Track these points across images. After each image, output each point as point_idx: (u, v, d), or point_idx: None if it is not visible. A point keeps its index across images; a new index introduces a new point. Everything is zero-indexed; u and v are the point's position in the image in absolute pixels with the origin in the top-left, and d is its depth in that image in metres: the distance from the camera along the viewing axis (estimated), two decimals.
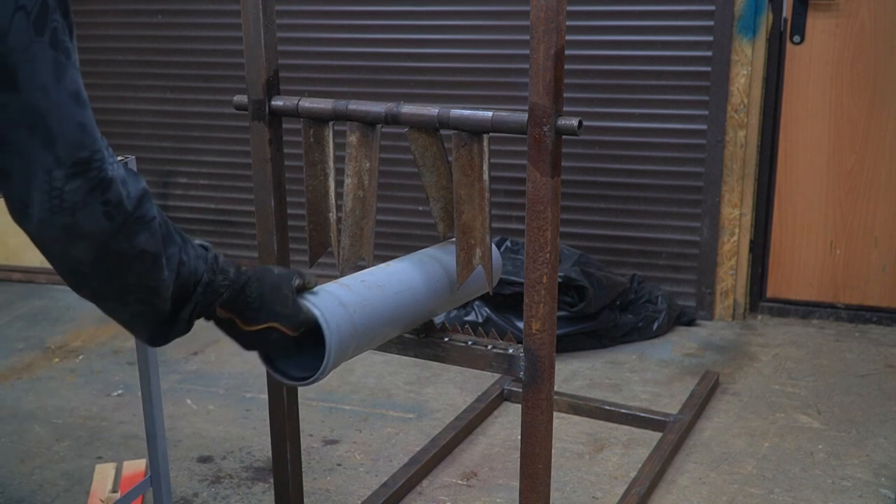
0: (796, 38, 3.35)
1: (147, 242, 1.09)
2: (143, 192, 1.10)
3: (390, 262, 1.67)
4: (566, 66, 1.54)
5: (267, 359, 1.42)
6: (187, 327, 1.24)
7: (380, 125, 1.72)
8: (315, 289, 1.42)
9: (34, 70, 0.98)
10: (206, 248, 1.25)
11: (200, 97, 4.02)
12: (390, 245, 3.48)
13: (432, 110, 1.64)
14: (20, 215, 1.04)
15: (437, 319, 3.32)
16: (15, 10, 0.95)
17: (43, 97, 0.98)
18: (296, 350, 1.40)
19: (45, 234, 1.05)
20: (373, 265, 1.74)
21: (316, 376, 1.39)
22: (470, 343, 1.73)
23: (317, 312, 1.37)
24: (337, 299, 1.43)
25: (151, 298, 1.15)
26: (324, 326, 1.37)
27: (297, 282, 1.35)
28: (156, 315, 1.18)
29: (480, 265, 1.70)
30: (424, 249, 1.79)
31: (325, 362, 1.38)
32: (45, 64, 0.98)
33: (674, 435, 2.62)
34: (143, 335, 1.22)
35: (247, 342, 1.33)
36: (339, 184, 1.83)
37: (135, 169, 1.81)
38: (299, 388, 2.04)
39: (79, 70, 1.03)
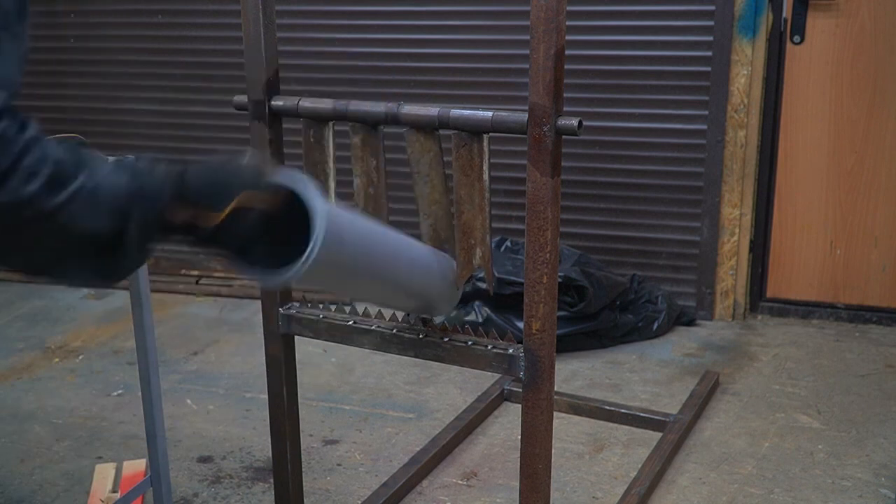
0: (796, 38, 3.35)
1: (29, 191, 0.96)
2: (27, 141, 0.97)
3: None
4: (566, 66, 1.54)
5: (251, 265, 1.22)
6: (140, 254, 1.09)
7: (381, 126, 1.72)
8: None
9: None
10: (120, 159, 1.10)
11: (200, 97, 4.02)
12: None
13: (432, 110, 1.65)
14: None
15: (437, 319, 3.33)
16: None
17: None
18: (280, 257, 1.22)
19: None
20: None
21: (308, 252, 1.20)
22: (470, 343, 1.73)
23: (292, 177, 1.19)
24: (333, 206, 1.27)
25: (64, 244, 1.02)
26: (301, 184, 1.19)
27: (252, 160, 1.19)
28: (94, 258, 1.05)
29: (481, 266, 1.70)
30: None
31: (312, 242, 1.20)
32: None
33: (674, 435, 2.62)
34: (95, 281, 1.10)
35: (222, 244, 1.16)
36: (340, 184, 1.83)
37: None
38: (299, 389, 2.04)
39: (13, 59, 0.99)
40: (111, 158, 1.11)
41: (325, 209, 1.20)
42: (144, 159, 1.10)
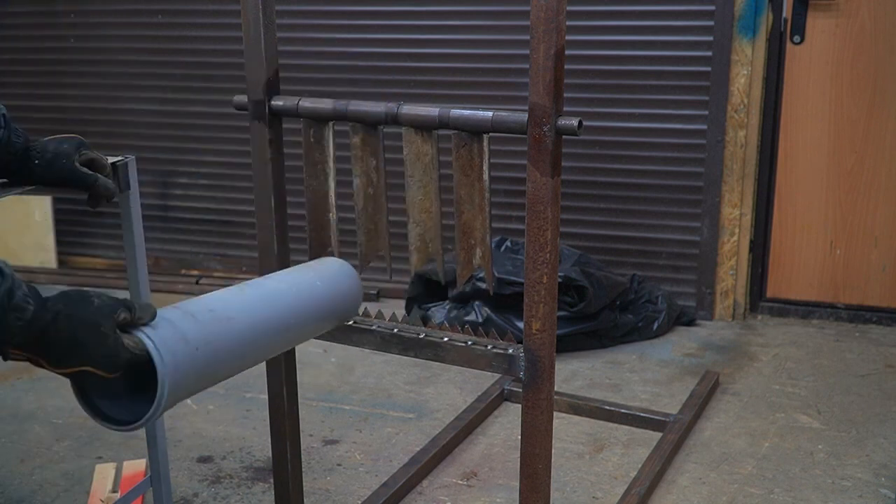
0: (796, 38, 3.35)
1: None
2: None
3: (245, 289, 1.42)
4: (566, 66, 1.54)
5: (82, 393, 1.21)
6: None
7: (381, 127, 1.72)
8: (153, 322, 1.19)
9: None
10: (1, 275, 1.05)
11: (200, 97, 4.02)
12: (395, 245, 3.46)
13: (432, 110, 1.65)
14: None
15: (438, 319, 3.34)
16: None
17: None
18: (118, 385, 1.20)
19: None
20: (390, 259, 1.72)
21: (143, 421, 1.17)
22: (470, 343, 1.73)
23: (152, 350, 1.15)
24: (179, 333, 1.21)
25: None
26: (159, 368, 1.14)
27: (121, 315, 1.13)
28: None
29: (481, 266, 1.70)
30: (292, 272, 1.57)
31: (154, 407, 1.16)
32: None
33: (674, 435, 2.62)
34: None
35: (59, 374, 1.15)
36: (340, 184, 1.83)
37: (135, 170, 1.81)
38: (299, 389, 2.04)
39: None
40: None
41: (167, 369, 1.15)
42: (20, 293, 1.06)
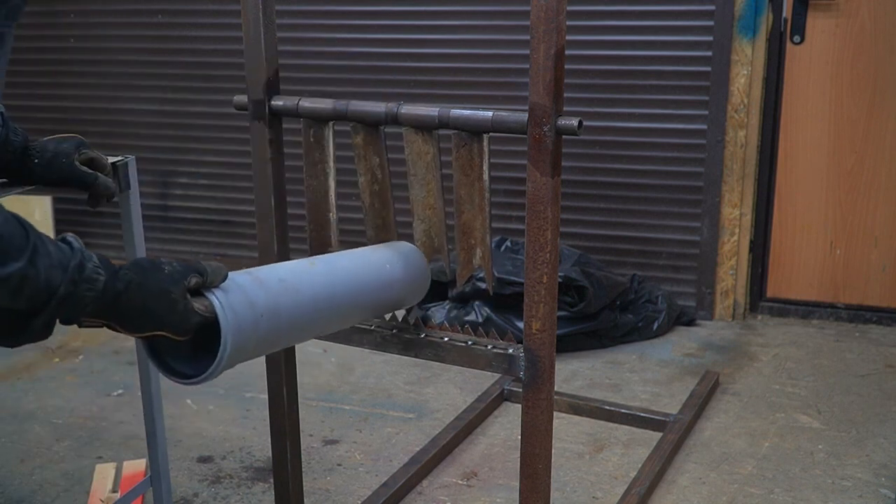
0: (796, 38, 3.35)
1: None
2: None
3: (315, 262, 1.50)
4: (566, 66, 1.54)
5: (152, 350, 1.28)
6: (44, 333, 1.12)
7: (382, 126, 1.72)
8: (224, 284, 1.25)
9: None
10: (70, 249, 1.11)
11: (200, 97, 4.02)
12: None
13: (432, 110, 1.64)
14: None
15: (438, 319, 3.34)
16: None
17: None
18: (188, 343, 1.26)
19: None
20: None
21: (204, 377, 1.25)
22: (470, 343, 1.73)
23: (220, 315, 1.22)
24: (247, 299, 1.27)
25: None
26: (224, 331, 1.22)
27: (192, 280, 1.19)
28: None
29: (481, 265, 1.70)
30: (367, 250, 1.67)
31: (214, 366, 1.23)
32: None
33: (674, 435, 2.62)
34: None
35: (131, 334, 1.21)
36: (340, 184, 1.83)
37: (135, 170, 1.81)
38: (299, 389, 2.04)
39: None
40: (67, 237, 1.12)
41: (230, 333, 1.22)
42: (91, 265, 1.10)
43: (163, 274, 1.17)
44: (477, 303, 3.30)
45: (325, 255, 1.54)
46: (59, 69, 4.16)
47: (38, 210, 4.16)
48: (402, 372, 3.18)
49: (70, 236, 1.13)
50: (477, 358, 1.72)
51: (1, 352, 3.38)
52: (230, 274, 1.27)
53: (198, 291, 1.21)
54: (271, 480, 2.25)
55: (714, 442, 2.70)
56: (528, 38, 1.49)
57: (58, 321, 1.12)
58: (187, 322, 1.18)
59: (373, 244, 1.78)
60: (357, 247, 1.73)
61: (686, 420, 2.72)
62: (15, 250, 1.02)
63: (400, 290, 1.64)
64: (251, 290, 1.29)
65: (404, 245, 1.72)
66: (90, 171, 1.61)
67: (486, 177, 1.63)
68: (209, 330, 1.22)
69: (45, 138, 1.61)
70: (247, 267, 1.38)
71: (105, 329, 1.17)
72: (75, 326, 1.14)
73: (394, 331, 1.79)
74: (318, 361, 3.26)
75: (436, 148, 1.69)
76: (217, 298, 1.22)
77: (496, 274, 3.22)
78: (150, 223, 4.03)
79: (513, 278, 3.20)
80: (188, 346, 1.26)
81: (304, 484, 2.17)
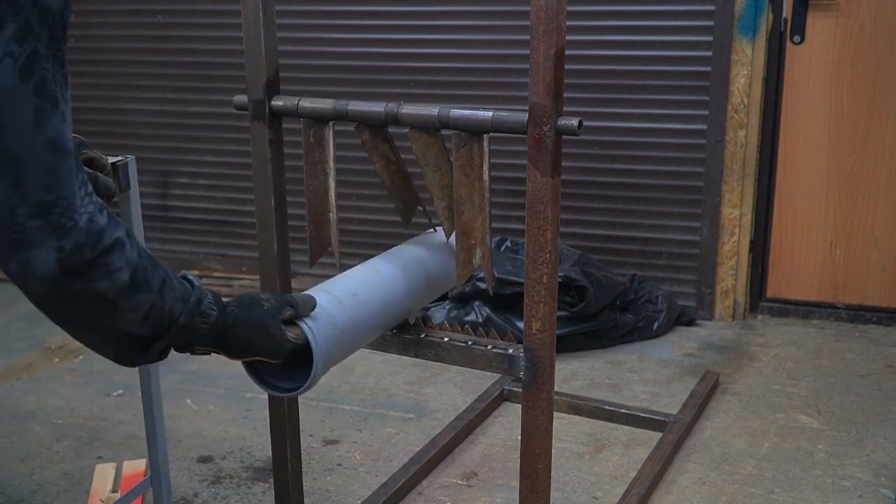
0: (796, 38, 3.35)
1: (106, 289, 1.11)
2: (114, 241, 1.11)
3: (379, 267, 1.70)
4: (566, 66, 1.54)
5: (251, 369, 1.47)
6: (160, 357, 1.25)
7: (386, 127, 1.72)
8: (313, 312, 1.46)
9: (14, 115, 1.01)
10: (192, 286, 1.27)
11: (200, 97, 4.02)
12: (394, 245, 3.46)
13: (432, 110, 1.64)
14: None
15: (438, 319, 3.34)
16: (3, 55, 0.99)
17: (19, 141, 1.02)
18: (280, 363, 1.45)
19: (6, 268, 1.09)
20: (430, 218, 1.86)
21: (299, 391, 1.46)
22: (470, 343, 1.73)
23: (311, 341, 1.42)
24: (331, 321, 1.48)
25: (111, 335, 1.17)
26: (315, 355, 1.42)
27: (287, 313, 1.39)
28: (120, 347, 1.20)
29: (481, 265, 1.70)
30: (409, 247, 1.84)
31: (308, 383, 1.44)
32: (26, 110, 1.02)
33: (674, 435, 2.62)
34: (110, 357, 1.23)
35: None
36: (340, 184, 1.83)
37: (135, 170, 1.81)
38: None
39: (67, 121, 1.07)
40: (187, 275, 1.30)
41: (320, 357, 1.43)
42: (206, 300, 1.28)
43: (262, 310, 1.36)
44: (477, 303, 3.30)
45: (385, 258, 1.74)
46: None
47: None
48: (402, 372, 3.18)
49: (191, 275, 1.31)
50: (477, 358, 1.72)
51: (1, 352, 3.38)
52: (314, 295, 1.49)
53: (290, 321, 1.41)
54: (271, 480, 2.25)
55: (714, 442, 2.70)
56: (528, 38, 1.49)
57: (173, 349, 1.27)
58: (282, 349, 1.38)
59: (402, 215, 1.86)
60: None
61: (686, 420, 2.72)
62: (149, 282, 1.16)
63: (441, 280, 1.82)
64: (333, 311, 1.49)
65: (436, 236, 1.89)
66: (90, 170, 1.61)
67: (486, 177, 1.63)
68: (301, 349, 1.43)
69: None
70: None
71: None
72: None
73: (394, 331, 1.79)
74: None
75: (441, 141, 1.69)
76: (308, 327, 1.42)
77: (496, 274, 3.22)
78: (150, 223, 4.03)
79: (513, 278, 3.20)
80: (281, 365, 1.45)
81: (304, 484, 2.17)
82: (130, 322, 1.16)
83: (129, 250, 1.13)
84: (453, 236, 1.77)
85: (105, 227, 1.10)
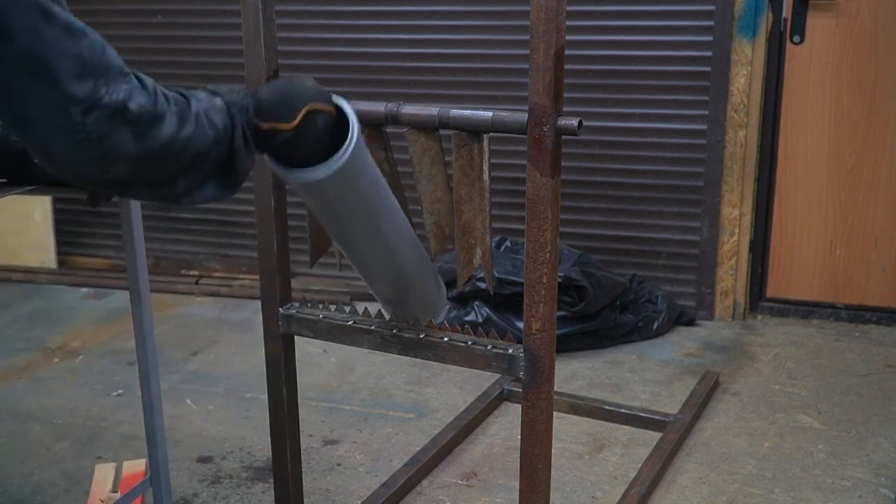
0: (796, 38, 3.35)
1: (171, 131, 1.15)
2: (153, 93, 1.14)
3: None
4: (566, 66, 1.54)
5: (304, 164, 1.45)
6: (249, 156, 1.29)
7: (385, 127, 1.72)
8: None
9: (23, 15, 1.01)
10: (216, 95, 1.29)
11: None
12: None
13: (432, 110, 1.65)
14: (46, 160, 1.09)
15: (437, 320, 3.33)
16: None
17: (36, 38, 1.02)
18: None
19: (79, 170, 1.10)
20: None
21: (335, 157, 1.41)
22: (470, 343, 1.73)
23: (344, 105, 1.43)
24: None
25: (200, 163, 1.21)
26: (350, 120, 1.42)
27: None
28: (214, 168, 1.24)
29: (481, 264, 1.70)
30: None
31: (345, 146, 1.42)
32: (31, 8, 1.01)
33: (674, 435, 2.62)
34: (211, 194, 1.28)
35: (296, 147, 1.37)
36: None
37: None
38: (299, 389, 2.04)
39: (64, 5, 1.07)
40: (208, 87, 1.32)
41: (357, 124, 1.43)
42: (221, 86, 1.31)
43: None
44: (477, 303, 3.30)
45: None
46: None
47: (37, 210, 4.16)
48: (402, 372, 3.18)
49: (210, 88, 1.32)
50: (477, 358, 1.72)
51: (1, 352, 3.38)
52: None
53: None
54: (271, 480, 2.25)
55: (714, 442, 2.70)
56: (528, 38, 1.49)
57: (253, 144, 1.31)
58: (324, 92, 1.37)
59: None
60: None
61: (686, 420, 2.72)
62: (183, 102, 1.20)
63: (427, 283, 1.78)
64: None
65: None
66: None
67: (486, 177, 1.63)
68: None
69: None
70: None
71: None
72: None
73: (394, 331, 1.79)
74: (318, 361, 3.26)
75: (439, 144, 1.69)
76: (343, 101, 1.43)
77: (496, 274, 3.22)
78: (149, 223, 4.03)
79: (513, 278, 3.20)
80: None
81: (304, 484, 2.17)
82: (202, 141, 1.20)
83: (160, 91, 1.16)
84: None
85: (139, 85, 1.12)
